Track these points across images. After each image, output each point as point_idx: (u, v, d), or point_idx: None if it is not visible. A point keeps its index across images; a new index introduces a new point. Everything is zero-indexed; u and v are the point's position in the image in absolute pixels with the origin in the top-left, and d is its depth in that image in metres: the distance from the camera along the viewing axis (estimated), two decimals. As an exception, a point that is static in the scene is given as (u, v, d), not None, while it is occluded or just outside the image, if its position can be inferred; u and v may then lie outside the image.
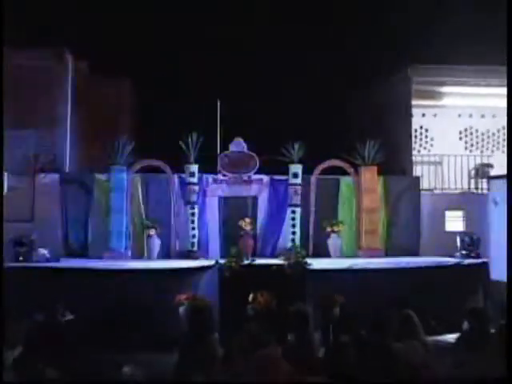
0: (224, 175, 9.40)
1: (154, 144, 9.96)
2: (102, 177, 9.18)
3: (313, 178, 9.44)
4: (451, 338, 5.61)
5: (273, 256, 8.84)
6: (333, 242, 9.23)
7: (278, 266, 7.77)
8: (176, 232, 9.15)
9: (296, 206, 9.26)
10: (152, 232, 8.96)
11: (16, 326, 5.00)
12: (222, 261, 7.85)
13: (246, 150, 9.41)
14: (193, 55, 12.00)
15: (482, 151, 10.91)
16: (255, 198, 9.46)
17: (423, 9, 11.84)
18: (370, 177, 9.47)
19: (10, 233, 8.21)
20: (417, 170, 10.51)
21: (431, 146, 10.82)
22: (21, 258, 7.85)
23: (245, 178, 9.38)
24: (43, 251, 8.01)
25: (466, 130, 10.96)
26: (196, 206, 9.13)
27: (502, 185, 8.91)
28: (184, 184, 9.19)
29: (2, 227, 6.91)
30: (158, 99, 11.79)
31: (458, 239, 8.91)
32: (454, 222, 9.81)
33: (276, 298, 7.06)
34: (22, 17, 10.24)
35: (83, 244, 9.06)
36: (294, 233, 9.16)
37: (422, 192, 9.96)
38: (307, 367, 4.07)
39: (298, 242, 9.06)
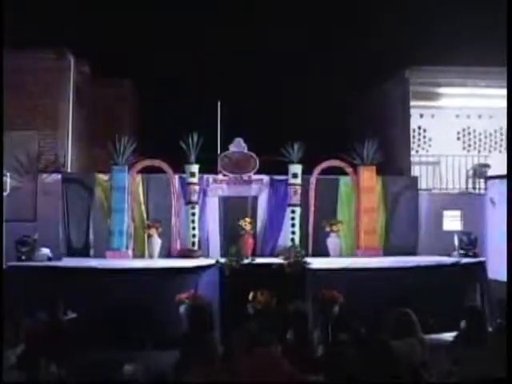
0: (224, 175, 9.40)
1: (155, 144, 9.98)
2: (103, 177, 9.19)
3: (312, 178, 9.44)
4: (449, 336, 5.62)
5: (273, 255, 8.84)
6: (332, 242, 9.24)
7: (277, 265, 7.78)
8: (177, 231, 9.16)
9: (296, 205, 9.26)
10: (153, 231, 8.96)
11: (18, 324, 5.01)
12: (222, 260, 7.86)
13: (246, 150, 9.42)
14: (193, 55, 12.01)
15: (479, 151, 10.92)
16: (255, 198, 9.47)
17: (421, 11, 11.86)
18: (368, 177, 9.48)
19: (12, 232, 8.25)
20: (415, 170, 10.51)
21: (429, 146, 10.82)
22: (23, 258, 7.86)
23: (245, 178, 9.38)
24: (45, 250, 8.02)
25: (463, 130, 10.96)
26: (196, 206, 9.13)
27: (500, 185, 8.92)
28: (185, 184, 9.20)
29: (2, 227, 6.92)
30: (159, 99, 11.81)
31: (456, 238, 8.91)
32: (452, 221, 9.82)
33: (276, 296, 7.08)
34: (24, 18, 10.26)
35: (85, 243, 9.07)
36: (293, 232, 9.16)
37: (420, 192, 9.96)
38: (307, 365, 4.08)
39: (297, 241, 9.06)
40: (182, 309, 6.98)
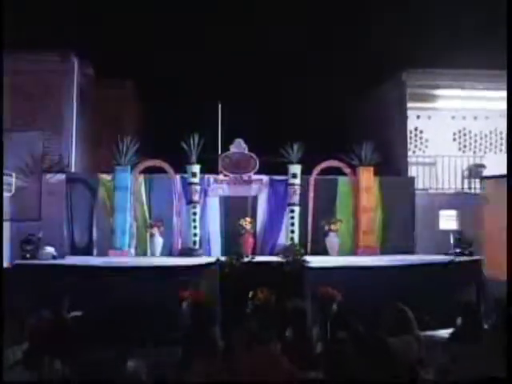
0: (225, 175, 9.41)
1: (157, 145, 9.98)
2: (106, 177, 9.20)
3: (311, 178, 9.45)
4: (445, 333, 5.61)
5: (272, 254, 8.85)
6: (330, 241, 9.24)
7: (277, 263, 7.78)
8: (178, 231, 9.16)
9: (295, 205, 9.26)
10: (155, 231, 8.97)
11: (23, 321, 5.00)
12: (222, 258, 7.86)
13: (246, 150, 9.42)
14: (194, 57, 11.97)
15: (474, 152, 10.92)
16: (255, 198, 9.47)
17: (418, 14, 11.85)
18: (366, 177, 9.49)
19: (17, 231, 8.26)
20: (412, 171, 10.52)
21: (426, 147, 10.82)
22: (28, 256, 7.87)
23: (245, 178, 9.39)
24: (50, 249, 8.03)
25: (459, 131, 10.96)
26: (198, 206, 9.13)
27: (495, 184, 8.92)
28: (186, 184, 9.20)
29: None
30: (161, 101, 11.79)
31: (452, 237, 8.91)
32: (448, 220, 9.82)
33: (275, 294, 7.07)
34: (28, 20, 10.25)
35: (88, 242, 9.07)
36: (292, 231, 9.16)
37: (417, 192, 9.97)
38: (305, 362, 4.08)
39: (296, 240, 9.07)
40: (184, 305, 6.97)
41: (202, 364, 3.78)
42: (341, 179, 9.68)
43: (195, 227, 9.04)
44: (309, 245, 9.21)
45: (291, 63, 12.23)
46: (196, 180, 9.14)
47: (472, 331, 4.58)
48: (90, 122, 10.66)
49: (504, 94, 9.76)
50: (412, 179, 10.12)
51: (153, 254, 8.95)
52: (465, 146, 10.95)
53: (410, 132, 10.81)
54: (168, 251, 9.09)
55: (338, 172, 9.67)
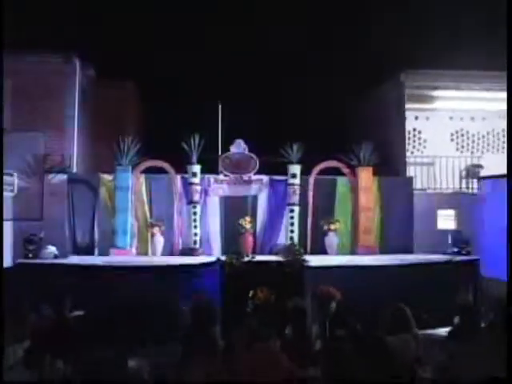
0: (225, 175, 9.41)
1: (157, 145, 9.98)
2: (107, 177, 9.20)
3: (311, 179, 9.45)
4: (442, 331, 5.62)
5: (272, 253, 8.84)
6: (330, 240, 9.24)
7: (277, 262, 7.79)
8: (179, 230, 9.17)
9: (294, 205, 9.27)
10: (156, 230, 8.97)
11: (25, 320, 5.01)
12: (223, 258, 7.87)
13: (246, 151, 9.43)
14: (194, 57, 11.95)
15: (472, 152, 10.92)
16: (255, 198, 9.48)
17: (416, 16, 11.85)
18: (365, 177, 9.49)
19: (20, 231, 8.27)
20: (410, 171, 10.52)
21: (424, 147, 10.82)
22: (30, 255, 7.89)
23: (245, 178, 9.39)
24: (52, 248, 8.04)
25: (457, 132, 10.96)
26: (198, 206, 9.14)
27: (492, 185, 8.93)
28: (186, 184, 9.21)
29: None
30: (162, 101, 11.78)
31: (450, 237, 8.92)
32: (446, 220, 9.82)
33: (275, 293, 7.08)
34: (29, 21, 10.24)
35: (90, 242, 9.07)
36: (292, 231, 9.17)
37: (415, 192, 9.97)
38: (304, 359, 4.09)
39: (296, 239, 9.07)
40: (184, 304, 6.97)
41: (202, 363, 3.80)
42: (340, 179, 9.69)
43: (196, 227, 9.05)
44: (308, 244, 9.21)
45: (291, 63, 12.21)
46: (196, 180, 9.15)
47: (469, 329, 4.59)
48: (92, 123, 10.66)
49: (501, 95, 9.79)
50: (410, 179, 10.13)
51: (154, 254, 8.96)
52: (462, 147, 10.96)
53: (409, 132, 10.81)
54: (169, 250, 9.10)
55: (337, 172, 9.67)
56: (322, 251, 9.15)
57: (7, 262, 7.62)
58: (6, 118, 8.78)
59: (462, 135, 10.99)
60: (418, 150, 10.84)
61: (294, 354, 4.06)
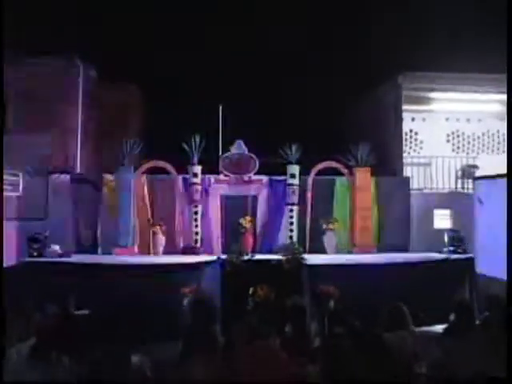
0: (225, 176, 9.43)
1: (159, 146, 9.99)
2: (110, 177, 9.22)
3: (309, 179, 9.47)
4: (439, 328, 5.64)
5: (271, 252, 8.86)
6: (328, 239, 9.26)
7: (276, 261, 7.81)
8: (180, 230, 9.19)
9: (293, 204, 9.29)
10: (157, 230, 8.99)
11: (30, 318, 5.02)
12: (223, 256, 7.89)
13: (246, 151, 9.44)
14: (194, 57, 11.94)
15: (467, 153, 10.97)
16: (255, 198, 9.49)
17: (414, 19, 11.87)
18: (363, 177, 9.51)
19: (24, 230, 8.29)
20: (407, 171, 10.56)
21: (421, 148, 10.87)
22: (35, 254, 7.91)
23: (245, 178, 9.41)
24: (56, 247, 8.06)
25: (453, 133, 11.01)
26: (199, 205, 9.16)
27: (487, 185, 8.94)
28: (188, 184, 9.23)
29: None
30: (162, 101, 11.78)
31: (446, 236, 8.94)
32: (442, 219, 9.84)
33: (275, 291, 7.10)
34: (29, 21, 10.24)
35: (93, 241, 9.09)
36: (291, 230, 9.19)
37: (412, 191, 10.00)
38: (304, 357, 4.11)
39: (295, 238, 9.10)
40: (185, 302, 7.00)
41: (202, 361, 3.81)
42: (338, 179, 9.71)
43: (196, 226, 9.08)
44: (307, 243, 9.23)
45: (291, 63, 12.20)
46: (197, 180, 9.17)
47: (465, 326, 4.62)
48: (95, 124, 10.68)
49: (496, 97, 9.84)
50: (407, 179, 10.15)
51: (155, 253, 8.97)
52: (458, 148, 11.00)
53: (406, 133, 10.85)
54: (170, 249, 9.11)
55: (336, 172, 9.69)
56: (321, 250, 9.17)
57: (12, 260, 7.63)
58: (10, 119, 8.81)
59: (458, 136, 11.04)
60: (415, 150, 10.89)
61: (294, 350, 4.08)
